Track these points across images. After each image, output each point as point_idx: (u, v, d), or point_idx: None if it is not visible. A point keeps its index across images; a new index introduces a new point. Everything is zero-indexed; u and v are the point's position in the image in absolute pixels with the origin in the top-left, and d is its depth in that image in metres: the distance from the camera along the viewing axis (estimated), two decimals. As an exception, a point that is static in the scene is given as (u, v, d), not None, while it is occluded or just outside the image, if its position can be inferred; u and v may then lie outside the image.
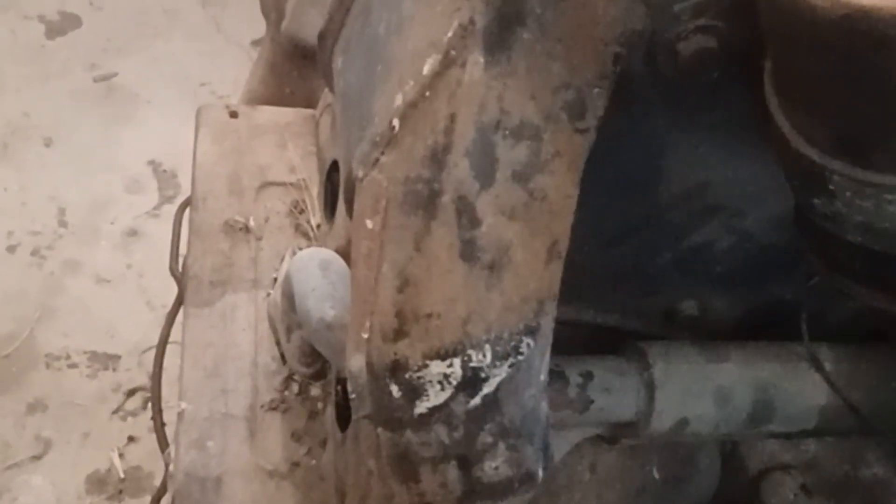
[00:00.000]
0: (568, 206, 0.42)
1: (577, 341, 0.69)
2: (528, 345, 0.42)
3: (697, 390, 0.64)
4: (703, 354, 0.66)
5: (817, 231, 0.41)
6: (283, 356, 0.84)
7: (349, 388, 0.44)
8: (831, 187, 0.35)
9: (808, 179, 0.37)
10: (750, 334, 0.71)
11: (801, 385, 0.66)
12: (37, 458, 1.44)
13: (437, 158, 0.40)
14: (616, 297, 0.70)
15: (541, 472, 0.44)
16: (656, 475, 0.78)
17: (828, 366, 0.66)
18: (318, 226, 0.94)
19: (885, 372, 0.69)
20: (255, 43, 2.11)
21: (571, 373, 0.62)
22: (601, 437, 0.68)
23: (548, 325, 0.43)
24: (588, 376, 0.62)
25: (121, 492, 1.44)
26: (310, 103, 1.10)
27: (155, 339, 0.94)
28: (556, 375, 0.61)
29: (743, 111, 0.46)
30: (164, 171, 1.89)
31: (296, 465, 0.78)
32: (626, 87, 0.45)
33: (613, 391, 0.63)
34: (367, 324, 0.43)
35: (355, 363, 0.43)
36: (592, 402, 0.62)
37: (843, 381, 0.66)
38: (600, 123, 0.43)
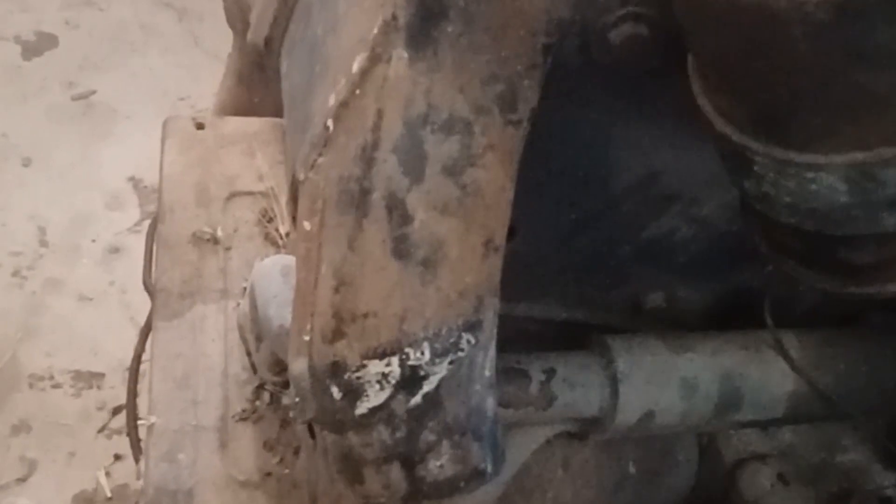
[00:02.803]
0: (503, 200, 0.41)
1: (545, 338, 0.68)
2: (469, 341, 0.41)
3: (662, 382, 0.64)
4: (667, 346, 0.65)
5: (756, 214, 0.41)
6: (253, 366, 0.84)
7: (292, 392, 0.44)
8: (756, 168, 0.35)
9: (735, 162, 0.36)
10: (719, 324, 0.71)
11: (767, 373, 0.66)
12: (22, 479, 1.43)
13: (367, 156, 0.40)
14: (581, 291, 0.70)
15: (489, 469, 0.44)
16: (633, 470, 0.78)
17: (794, 352, 0.66)
18: (287, 234, 0.94)
19: (853, 357, 0.69)
20: (233, 55, 2.11)
21: (534, 369, 0.61)
22: (570, 433, 0.68)
23: (489, 319, 0.42)
24: (551, 372, 0.62)
25: (108, 510, 1.43)
26: (278, 112, 1.09)
27: (139, 356, 0.94)
28: (517, 373, 0.61)
29: (683, 99, 0.46)
30: (145, 186, 1.88)
31: (268, 474, 0.77)
32: (564, 78, 0.45)
33: (577, 386, 0.62)
34: (308, 326, 0.42)
35: (297, 366, 0.43)
36: (556, 398, 0.61)
37: (810, 367, 0.66)
38: (533, 115, 0.42)
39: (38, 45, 2.11)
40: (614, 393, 0.62)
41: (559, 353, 0.64)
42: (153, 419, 0.78)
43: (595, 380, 0.63)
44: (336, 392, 0.40)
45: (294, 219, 0.50)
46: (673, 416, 0.64)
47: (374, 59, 0.40)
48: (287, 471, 0.78)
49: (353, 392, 0.40)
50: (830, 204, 0.34)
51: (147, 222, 1.83)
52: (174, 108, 2.03)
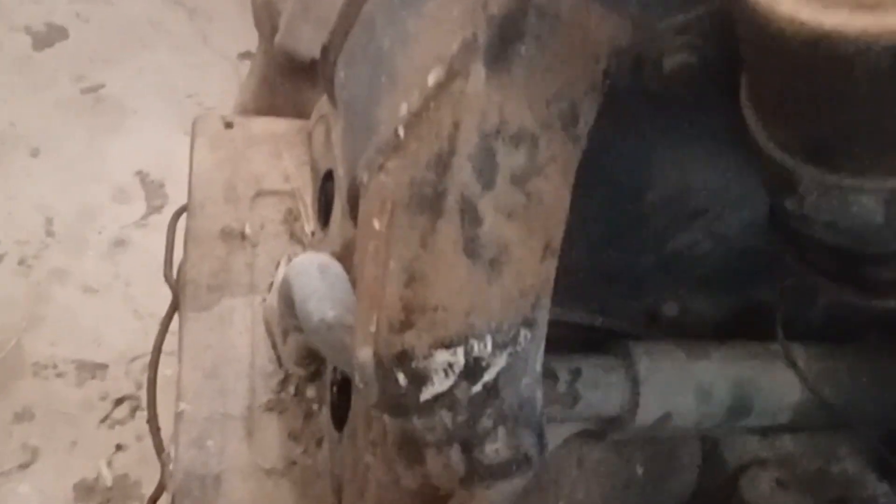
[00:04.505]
0: (561, 208, 0.45)
1: (566, 341, 0.72)
2: (526, 336, 0.45)
3: (680, 386, 0.67)
4: (684, 352, 0.69)
5: (789, 231, 0.45)
6: (279, 358, 0.87)
7: (356, 379, 0.47)
8: (801, 190, 0.39)
9: (780, 182, 0.40)
10: (731, 336, 0.75)
11: (776, 382, 0.70)
12: (24, 466, 1.44)
13: (443, 162, 0.43)
14: (603, 298, 0.73)
15: (536, 456, 0.47)
16: (640, 472, 0.81)
17: (801, 364, 0.70)
18: (312, 233, 0.97)
19: (856, 370, 0.73)
20: (242, 55, 2.13)
21: (561, 369, 0.65)
22: (589, 431, 0.71)
23: (543, 317, 0.46)
24: (576, 373, 0.65)
25: (108, 500, 1.44)
26: (301, 115, 1.13)
27: (142, 348, 0.96)
28: (546, 372, 0.64)
29: (722, 122, 0.50)
30: (152, 181, 1.90)
31: (293, 463, 0.80)
32: (614, 98, 0.48)
33: (600, 387, 0.66)
34: (375, 318, 0.46)
35: (363, 355, 0.46)
36: (581, 397, 0.65)
37: (815, 377, 0.70)
38: (590, 132, 0.46)
39: (48, 37, 2.13)
40: (635, 394, 0.66)
41: (584, 356, 0.68)
42: (183, 406, 0.81)
43: (617, 381, 0.66)
44: (402, 378, 0.44)
45: (354, 219, 0.54)
46: (688, 419, 0.68)
47: (452, 74, 0.43)
48: (310, 461, 0.80)
49: (419, 379, 0.44)
50: (866, 224, 0.38)
51: (153, 216, 1.85)
52: (181, 105, 2.05)
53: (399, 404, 0.45)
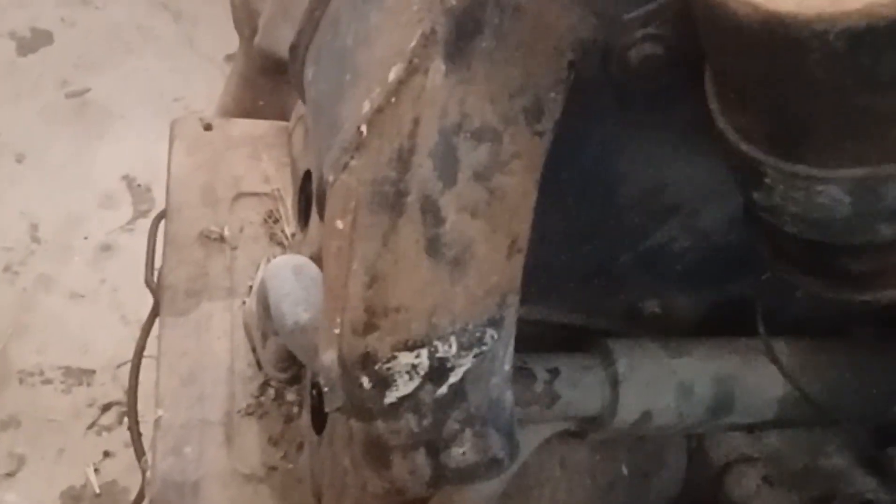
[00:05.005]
0: (527, 205, 0.44)
1: (546, 340, 0.71)
2: (492, 336, 0.44)
3: (660, 384, 0.66)
4: (665, 350, 0.68)
5: (761, 224, 0.44)
6: (258, 362, 0.86)
7: (322, 382, 0.46)
8: (767, 181, 0.38)
9: (748, 175, 0.40)
10: (713, 331, 0.74)
11: (759, 377, 0.69)
12: (10, 475, 1.43)
13: (403, 160, 0.42)
14: (582, 296, 0.73)
15: (507, 459, 0.46)
16: (625, 471, 0.80)
17: (784, 359, 0.69)
18: (293, 235, 0.96)
19: (839, 364, 0.72)
20: (229, 58, 2.12)
21: (539, 369, 0.64)
22: (570, 431, 0.70)
23: (510, 317, 0.45)
24: (555, 372, 0.64)
25: (97, 507, 1.43)
26: (283, 116, 1.12)
27: (130, 353, 0.95)
28: (523, 372, 0.63)
29: (693, 114, 0.49)
30: (139, 185, 1.89)
31: (273, 468, 0.79)
32: (582, 92, 0.47)
33: (579, 386, 0.65)
34: (339, 319, 0.45)
35: (327, 357, 0.45)
36: (559, 396, 0.64)
37: (798, 372, 0.69)
38: (556, 126, 0.45)
39: (33, 42, 2.11)
40: (614, 393, 0.65)
41: (562, 355, 0.67)
42: (160, 413, 0.80)
43: (596, 380, 0.65)
44: (366, 382, 0.43)
45: (322, 218, 0.53)
46: (669, 417, 0.67)
47: (412, 70, 0.42)
48: (291, 465, 0.80)
49: (383, 382, 0.43)
50: (833, 215, 0.37)
51: (140, 221, 1.84)
52: (168, 108, 2.04)
53: (363, 408, 0.44)
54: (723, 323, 0.75)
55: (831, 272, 0.43)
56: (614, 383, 0.65)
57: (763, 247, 0.47)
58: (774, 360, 0.68)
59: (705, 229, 0.68)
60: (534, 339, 0.70)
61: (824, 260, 0.43)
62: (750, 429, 0.80)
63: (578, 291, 0.72)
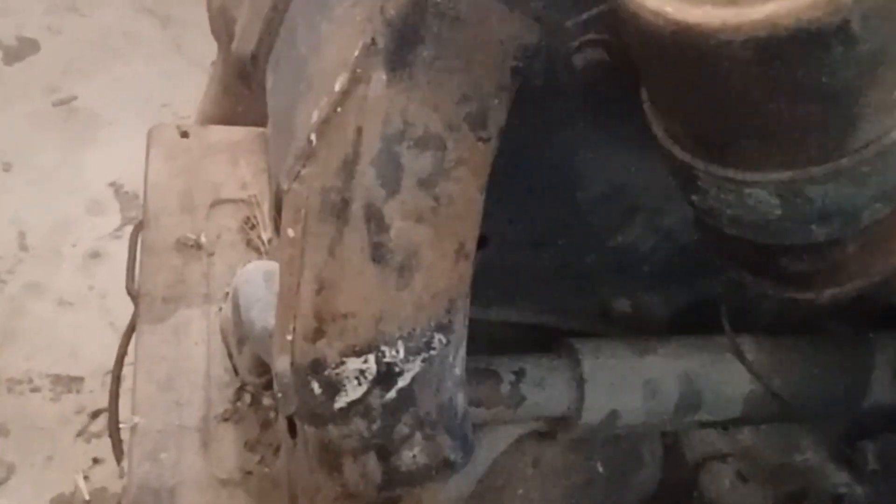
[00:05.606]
0: (473, 210, 0.45)
1: (517, 342, 0.72)
2: (441, 340, 0.44)
3: (626, 383, 0.67)
4: (631, 349, 0.69)
5: (706, 226, 0.45)
6: (235, 368, 0.86)
7: (275, 387, 0.46)
8: (700, 184, 0.38)
9: (683, 178, 0.40)
10: (683, 329, 0.75)
11: (725, 375, 0.70)
12: (0, 483, 1.43)
13: (348, 169, 0.43)
14: (552, 297, 0.73)
15: (459, 461, 0.47)
16: (601, 469, 0.81)
17: (750, 356, 0.70)
18: (270, 240, 0.97)
19: (806, 361, 0.73)
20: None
21: (504, 370, 0.65)
22: (541, 431, 0.71)
23: (459, 321, 0.45)
24: (520, 373, 0.65)
25: (86, 514, 1.43)
26: (262, 122, 1.12)
27: (119, 360, 0.95)
28: (488, 374, 0.64)
29: (641, 117, 0.50)
30: (126, 192, 1.89)
31: (249, 473, 0.80)
32: (533, 98, 0.48)
33: (546, 386, 0.65)
34: (291, 326, 0.45)
35: (280, 364, 0.46)
36: (525, 398, 0.65)
37: (765, 369, 0.70)
38: (502, 133, 0.46)
39: (19, 50, 2.11)
40: (580, 393, 0.65)
41: (529, 356, 0.67)
42: (137, 420, 0.80)
43: (562, 381, 0.66)
44: (316, 387, 0.44)
45: (278, 227, 0.53)
46: (636, 416, 0.68)
47: (355, 80, 0.43)
48: (267, 470, 0.80)
49: (333, 387, 0.43)
50: (766, 217, 0.38)
51: (128, 228, 1.84)
52: (156, 114, 2.04)
53: (315, 413, 0.45)
54: (695, 321, 0.76)
55: (775, 272, 0.44)
56: (580, 383, 0.65)
57: (711, 248, 0.48)
58: (740, 357, 0.69)
59: (669, 228, 0.68)
60: (504, 342, 0.71)
61: (766, 261, 0.43)
62: (723, 426, 0.81)
63: (547, 292, 0.72)
